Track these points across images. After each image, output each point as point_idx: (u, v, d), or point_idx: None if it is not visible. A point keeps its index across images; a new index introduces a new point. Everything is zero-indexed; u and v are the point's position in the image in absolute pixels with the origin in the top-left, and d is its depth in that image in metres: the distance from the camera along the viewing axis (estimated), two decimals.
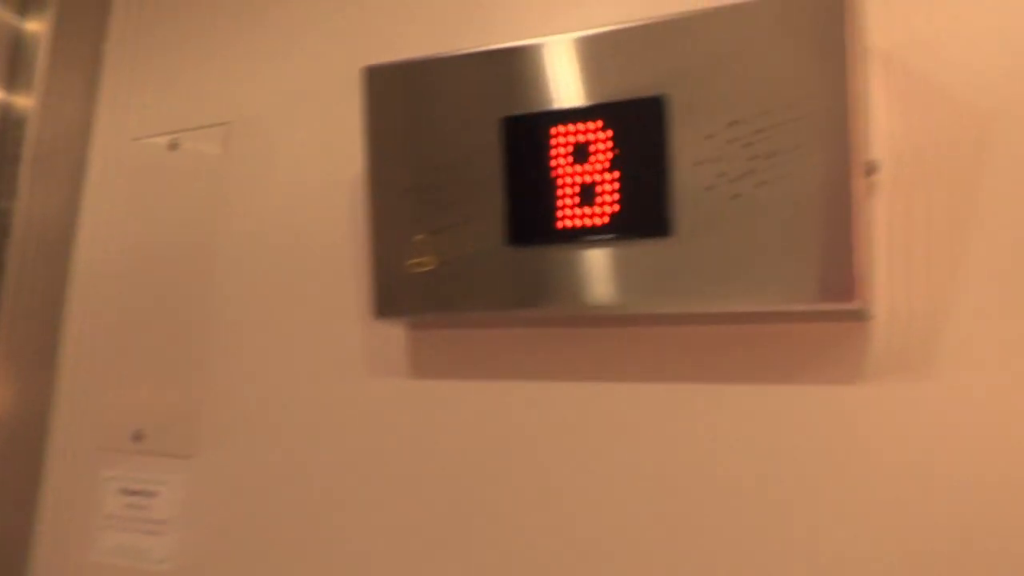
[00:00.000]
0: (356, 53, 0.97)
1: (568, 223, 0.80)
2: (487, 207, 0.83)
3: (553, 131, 0.80)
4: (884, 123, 0.80)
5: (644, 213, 0.77)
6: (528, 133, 0.81)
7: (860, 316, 0.78)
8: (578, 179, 0.79)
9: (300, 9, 1.09)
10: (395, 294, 0.89)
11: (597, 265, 0.79)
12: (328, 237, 1.03)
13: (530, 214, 0.81)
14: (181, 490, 1.09)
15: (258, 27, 1.12)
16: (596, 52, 0.80)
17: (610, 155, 0.78)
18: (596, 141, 0.78)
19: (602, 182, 0.78)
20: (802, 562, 0.77)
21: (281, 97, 1.08)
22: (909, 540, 0.74)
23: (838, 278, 0.72)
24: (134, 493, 1.12)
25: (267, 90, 1.10)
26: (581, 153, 0.79)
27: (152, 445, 1.12)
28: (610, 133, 0.78)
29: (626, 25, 0.79)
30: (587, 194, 0.79)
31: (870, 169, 0.78)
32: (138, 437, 1.13)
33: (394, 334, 0.98)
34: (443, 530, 0.92)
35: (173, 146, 1.15)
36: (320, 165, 1.04)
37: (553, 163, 0.80)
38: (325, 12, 1.08)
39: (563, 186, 0.80)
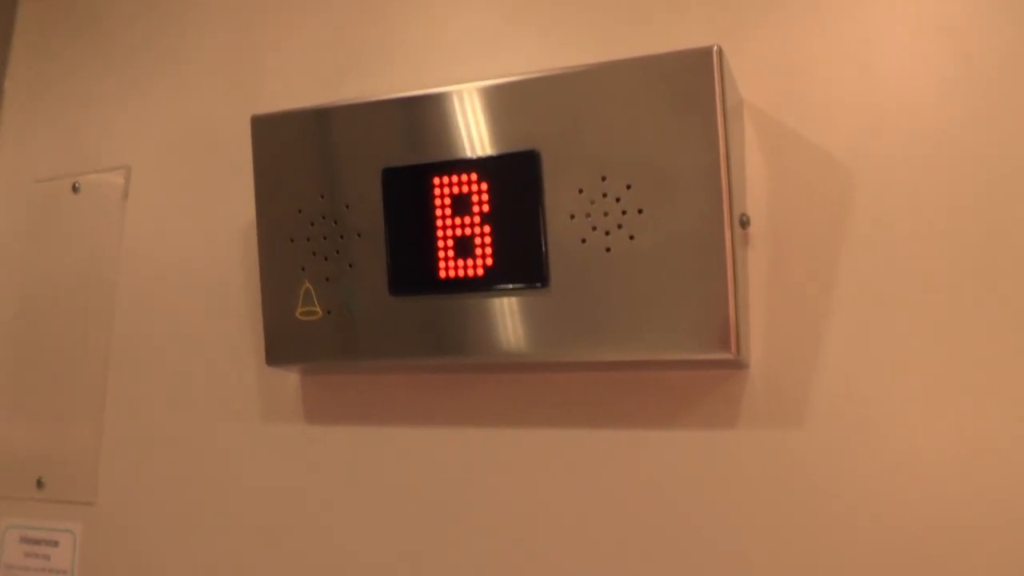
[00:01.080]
0: (254, 100, 0.97)
1: (447, 274, 0.80)
2: (370, 257, 0.83)
3: (432, 183, 0.81)
4: (757, 177, 0.82)
5: (520, 265, 0.78)
6: (408, 184, 0.82)
7: (736, 365, 0.79)
8: (457, 231, 0.80)
9: (199, 54, 1.09)
10: (286, 341, 0.89)
11: (477, 315, 0.80)
12: (226, 283, 1.02)
13: (411, 265, 0.82)
14: (82, 538, 1.07)
15: (159, 71, 1.12)
16: (476, 105, 0.81)
17: (486, 208, 0.79)
18: (473, 193, 0.79)
19: (481, 234, 0.79)
20: None
21: (180, 141, 1.08)
22: None
23: (713, 329, 0.74)
24: (35, 542, 1.10)
25: (167, 134, 1.09)
26: (460, 205, 0.80)
27: (52, 492, 1.10)
28: (486, 186, 0.79)
29: (504, 80, 0.80)
30: (465, 246, 0.79)
31: (744, 222, 0.80)
32: (39, 484, 1.11)
33: (289, 379, 0.97)
34: (339, 574, 0.92)
35: (75, 188, 1.14)
36: (218, 210, 1.03)
37: (432, 215, 0.81)
38: (224, 58, 1.08)
39: (443, 238, 0.80)
